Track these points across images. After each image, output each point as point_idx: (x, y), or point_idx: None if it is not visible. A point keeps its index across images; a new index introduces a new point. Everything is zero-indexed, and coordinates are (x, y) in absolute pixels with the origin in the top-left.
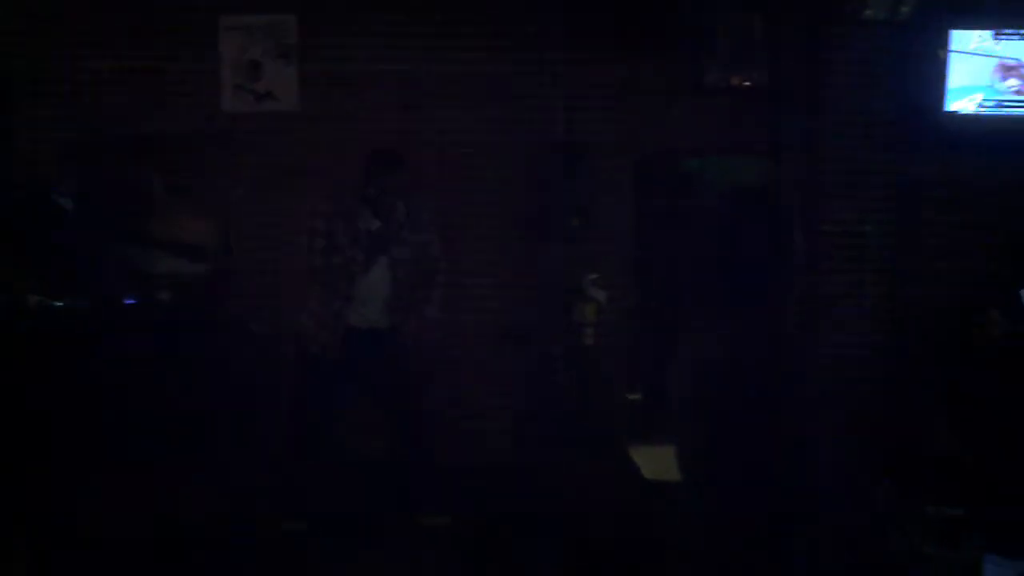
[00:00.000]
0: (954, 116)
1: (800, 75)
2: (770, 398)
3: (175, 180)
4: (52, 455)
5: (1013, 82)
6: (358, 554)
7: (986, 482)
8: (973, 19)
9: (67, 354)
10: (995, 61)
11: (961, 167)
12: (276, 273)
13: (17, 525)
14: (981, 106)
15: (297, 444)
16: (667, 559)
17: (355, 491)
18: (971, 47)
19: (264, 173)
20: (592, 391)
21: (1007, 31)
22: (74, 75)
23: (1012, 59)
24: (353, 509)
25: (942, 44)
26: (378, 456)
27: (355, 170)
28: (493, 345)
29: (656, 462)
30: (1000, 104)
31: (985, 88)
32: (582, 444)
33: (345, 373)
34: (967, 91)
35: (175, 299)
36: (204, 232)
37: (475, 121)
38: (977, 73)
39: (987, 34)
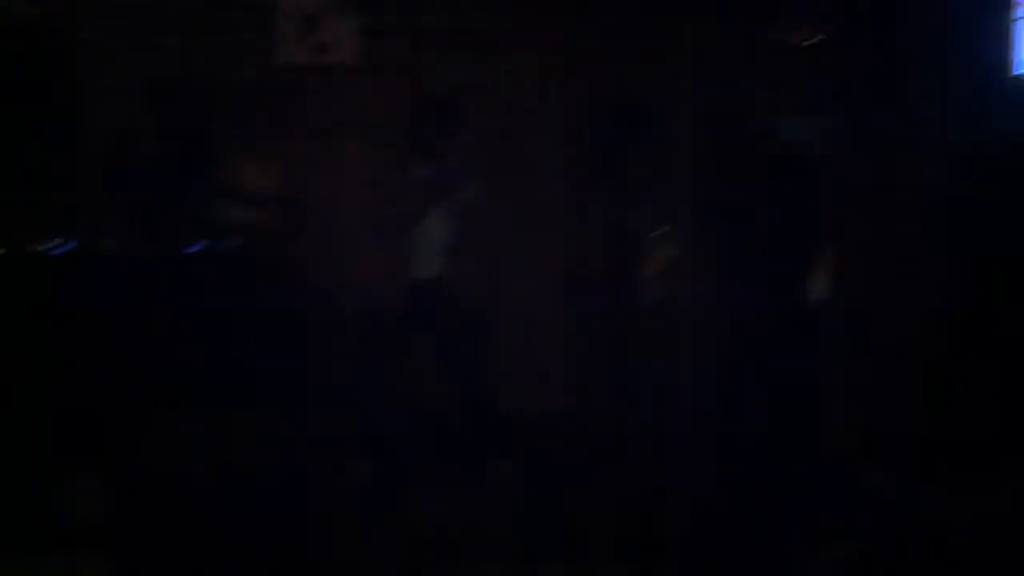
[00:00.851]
0: (1021, 79)
1: (867, 36)
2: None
3: (238, 130)
4: (119, 398)
5: None
6: (421, 498)
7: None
8: None
9: (136, 299)
10: None
11: None
12: (337, 224)
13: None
14: None
15: (363, 392)
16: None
17: (418, 437)
18: None
19: (325, 124)
20: (655, 343)
21: None
22: (135, 26)
23: None
24: (417, 455)
25: (1009, 5)
26: (441, 404)
27: (413, 121)
28: (558, 297)
29: None
30: None
31: None
32: (646, 395)
33: (408, 323)
34: None
35: (240, 248)
36: (267, 182)
37: (537, 73)
38: None
39: None
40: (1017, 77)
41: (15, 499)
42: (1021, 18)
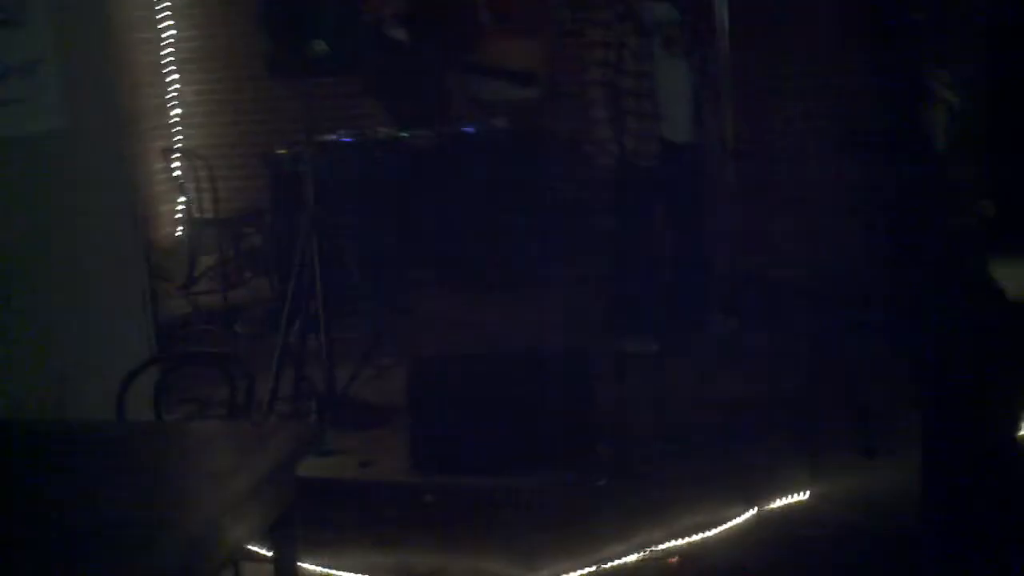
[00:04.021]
0: None
1: None
2: None
3: (500, 7)
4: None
5: None
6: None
7: None
8: None
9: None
10: None
11: None
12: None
13: None
14: None
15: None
16: None
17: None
18: None
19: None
20: (938, 203)
21: None
22: None
23: None
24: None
25: None
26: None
27: None
28: (822, 151)
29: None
30: None
31: None
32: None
33: (654, 186)
34: None
35: (506, 124)
36: (530, 57)
37: None
38: None
39: None
40: None
41: None
42: None
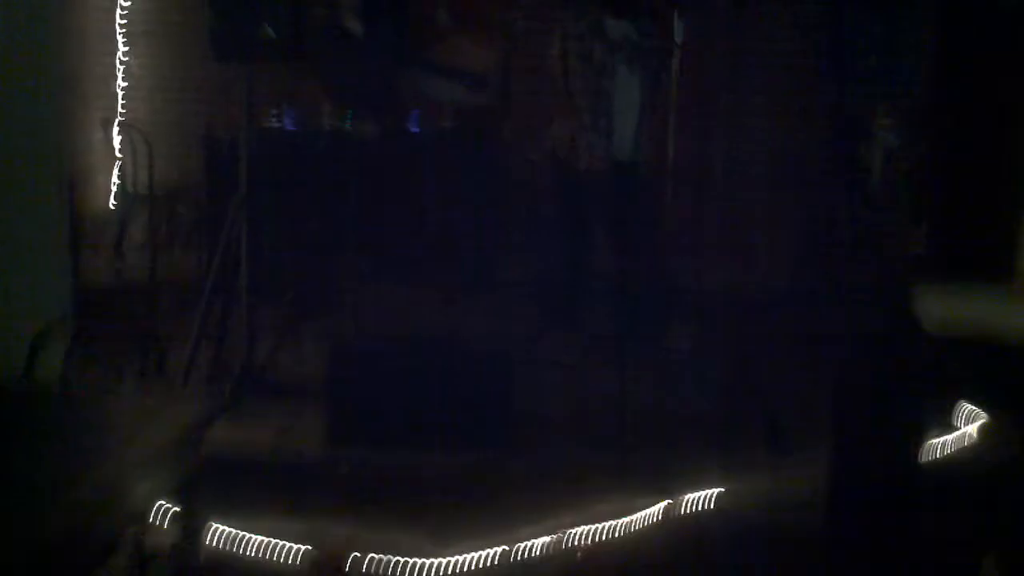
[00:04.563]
0: None
1: None
2: None
3: (459, 7)
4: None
5: None
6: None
7: None
8: None
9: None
10: None
11: None
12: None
13: None
14: None
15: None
16: None
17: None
18: None
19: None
20: (871, 241)
21: None
22: None
23: None
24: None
25: None
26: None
27: None
28: (766, 181)
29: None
30: None
31: None
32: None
33: (593, 203)
34: None
35: (456, 125)
36: (484, 58)
37: None
38: None
39: None
40: None
41: None
42: None
